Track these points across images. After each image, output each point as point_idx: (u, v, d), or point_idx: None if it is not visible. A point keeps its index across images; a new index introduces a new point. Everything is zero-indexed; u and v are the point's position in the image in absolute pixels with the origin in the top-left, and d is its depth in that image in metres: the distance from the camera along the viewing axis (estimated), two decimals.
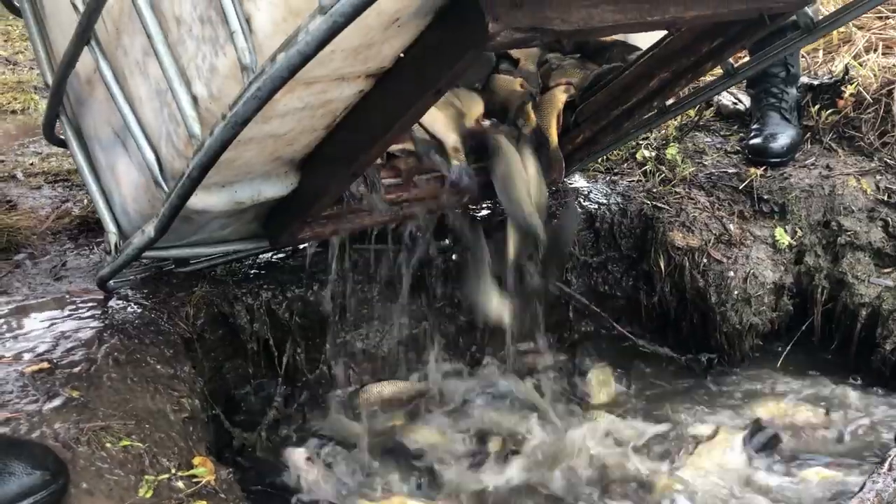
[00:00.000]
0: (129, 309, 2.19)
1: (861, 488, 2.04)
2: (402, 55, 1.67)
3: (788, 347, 2.82)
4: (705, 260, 2.79)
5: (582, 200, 3.00)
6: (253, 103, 1.42)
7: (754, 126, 3.09)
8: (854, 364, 2.75)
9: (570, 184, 3.06)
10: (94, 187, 2.13)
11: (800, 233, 2.83)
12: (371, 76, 1.72)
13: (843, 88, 3.11)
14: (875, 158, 2.96)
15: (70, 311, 2.13)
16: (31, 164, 3.10)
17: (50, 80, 2.08)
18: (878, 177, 2.88)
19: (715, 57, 2.24)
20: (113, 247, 2.13)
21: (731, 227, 2.84)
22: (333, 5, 1.24)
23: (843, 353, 2.79)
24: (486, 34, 1.46)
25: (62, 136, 2.19)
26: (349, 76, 1.69)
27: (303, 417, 2.47)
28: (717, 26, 2.16)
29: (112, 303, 2.19)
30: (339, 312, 2.59)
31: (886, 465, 2.10)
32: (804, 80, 3.20)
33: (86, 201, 2.69)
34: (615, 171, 3.16)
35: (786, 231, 2.83)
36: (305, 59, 1.32)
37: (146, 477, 1.67)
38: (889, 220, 2.78)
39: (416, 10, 1.52)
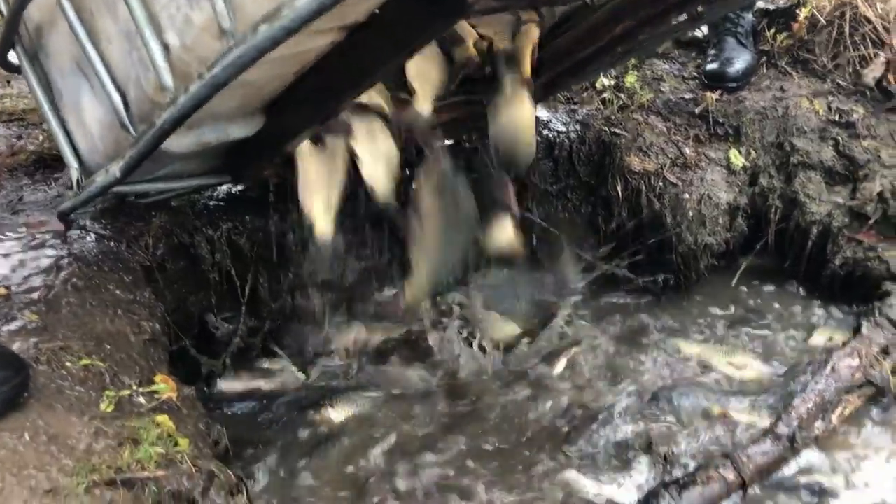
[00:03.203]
0: (87, 238, 2.20)
1: (803, 389, 2.14)
2: (377, 11, 1.66)
3: (743, 266, 2.90)
4: (661, 183, 2.84)
5: (542, 129, 3.02)
6: (232, 69, 1.42)
7: (711, 52, 3.12)
8: (806, 280, 2.84)
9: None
10: (53, 121, 2.10)
11: (754, 154, 2.89)
12: (344, 28, 1.71)
13: (797, 12, 3.14)
14: (828, 80, 3.01)
15: (27, 241, 2.14)
16: None
17: (5, 9, 2.04)
18: (830, 98, 2.93)
19: (683, 6, 2.25)
20: (75, 182, 2.12)
21: (687, 150, 2.89)
22: None
23: (796, 270, 2.87)
24: (465, 3, 1.47)
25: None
26: (324, 29, 1.68)
27: (266, 346, 2.51)
28: None
29: (70, 233, 2.19)
30: (301, 244, 2.62)
31: (829, 367, 2.19)
32: (760, 4, 3.23)
33: (41, 138, 2.67)
34: (574, 100, 3.17)
35: (740, 153, 2.88)
36: (289, 33, 1.32)
37: (107, 393, 1.70)
38: (840, 139, 2.84)
39: None
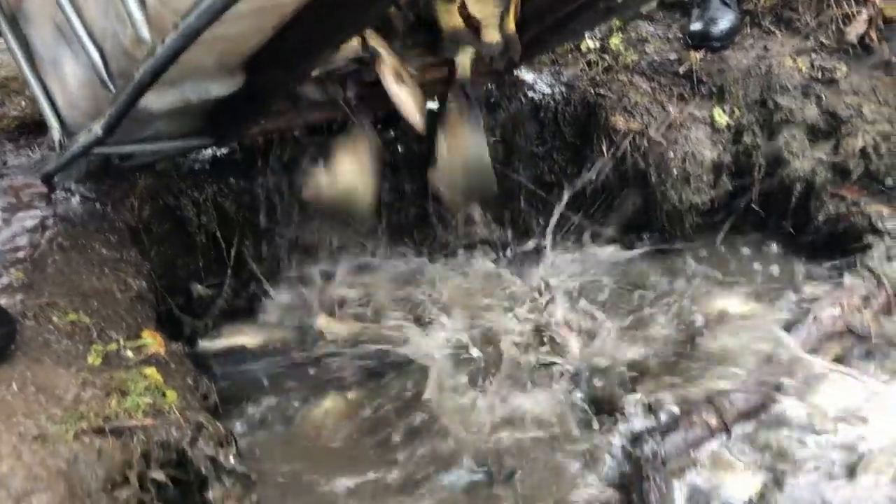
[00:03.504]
0: (72, 200, 2.20)
1: (787, 337, 2.17)
2: None
3: (728, 224, 2.92)
4: (646, 142, 2.85)
5: (527, 91, 3.03)
6: (206, 17, 1.41)
7: (695, 12, 3.12)
8: (790, 236, 2.87)
9: (517, 76, 3.09)
10: (34, 83, 2.10)
11: (737, 113, 2.89)
12: None
13: None
14: (811, 38, 3.01)
15: (12, 203, 2.14)
16: None
17: None
18: (813, 55, 2.94)
19: None
20: (57, 143, 2.12)
21: (671, 109, 2.89)
22: None
23: (780, 226, 2.90)
24: None
25: None
26: None
27: (251, 307, 2.52)
28: None
29: (55, 195, 2.20)
30: (284, 206, 2.62)
31: (811, 316, 2.22)
32: None
33: (24, 104, 2.66)
34: (559, 62, 3.17)
35: (724, 111, 2.89)
36: None
37: (94, 347, 1.72)
38: (822, 96, 2.85)
39: None
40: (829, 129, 2.84)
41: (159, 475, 1.58)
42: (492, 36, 2.39)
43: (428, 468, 1.92)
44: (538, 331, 2.43)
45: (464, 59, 2.49)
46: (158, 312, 2.10)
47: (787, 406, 2.05)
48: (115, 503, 1.47)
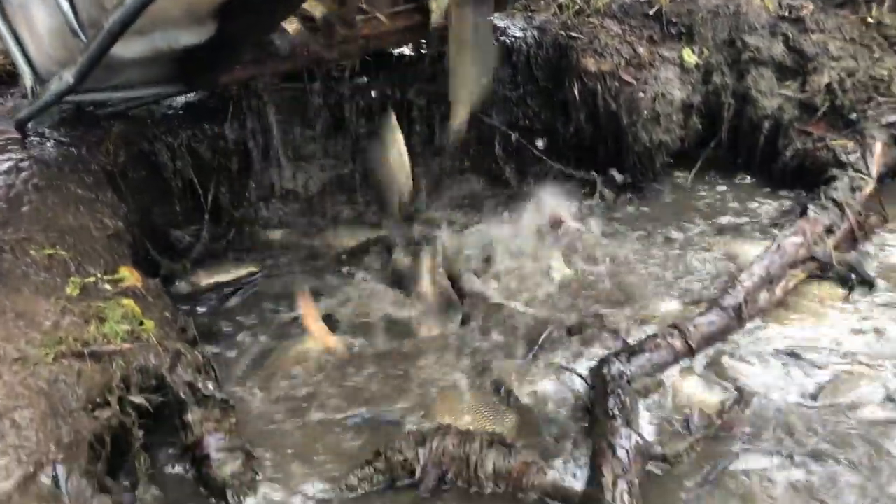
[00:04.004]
0: (47, 144, 2.22)
1: (751, 263, 2.23)
2: None
3: (699, 163, 2.97)
4: (617, 83, 2.88)
5: (500, 36, 3.05)
6: None
7: None
8: (759, 173, 2.92)
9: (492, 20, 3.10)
10: (5, 32, 2.11)
11: (706, 52, 2.93)
12: None
13: None
14: None
15: None
16: None
17: None
18: None
19: None
20: (29, 91, 2.13)
21: (641, 50, 2.93)
22: None
23: (749, 164, 2.95)
24: None
25: None
26: None
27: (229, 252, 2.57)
28: None
29: (30, 140, 2.22)
30: (261, 152, 2.65)
31: (775, 244, 2.28)
32: None
33: None
34: (531, 7, 3.20)
35: (693, 51, 2.93)
36: None
37: (72, 279, 1.75)
38: (789, 34, 2.89)
39: None
40: (797, 67, 2.89)
41: (139, 399, 1.63)
42: None
43: (402, 401, 1.97)
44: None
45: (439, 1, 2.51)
46: (137, 256, 2.13)
47: (752, 331, 2.12)
48: (96, 423, 1.52)
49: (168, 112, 2.55)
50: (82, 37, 1.79)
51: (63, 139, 2.26)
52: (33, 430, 1.39)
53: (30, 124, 2.28)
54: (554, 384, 1.98)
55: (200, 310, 2.29)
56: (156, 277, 2.19)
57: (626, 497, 1.53)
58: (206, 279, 2.36)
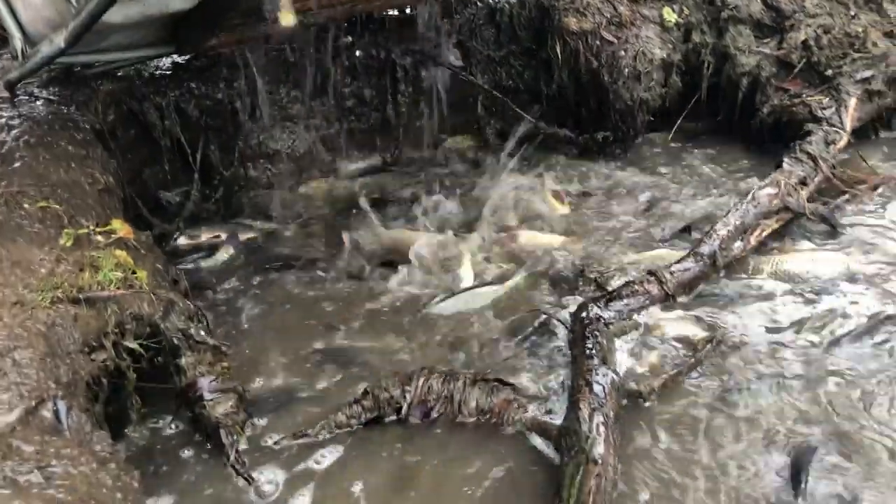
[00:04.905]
0: (37, 103, 2.26)
1: (727, 214, 2.30)
2: None
3: (679, 121, 3.03)
4: (598, 42, 2.92)
5: None
6: None
7: None
8: (737, 129, 2.98)
9: None
10: None
11: (686, 11, 2.98)
12: None
13: None
14: None
15: None
16: None
17: None
18: None
19: None
20: (19, 52, 2.16)
21: (622, 9, 2.96)
22: None
23: (728, 121, 3.01)
24: None
25: None
26: None
27: (219, 211, 2.62)
28: None
29: (19, 98, 2.25)
30: (248, 111, 2.69)
31: (750, 195, 2.35)
32: None
33: None
34: None
35: (673, 10, 2.97)
36: None
37: (66, 231, 1.80)
38: None
39: None
40: (774, 24, 2.94)
41: (133, 345, 1.69)
42: None
43: (382, 342, 2.04)
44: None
45: None
46: (128, 214, 2.18)
47: (728, 277, 2.19)
48: (92, 364, 1.58)
49: (156, 72, 2.58)
50: (73, 2, 1.83)
51: (52, 98, 2.30)
52: (34, 368, 1.45)
53: (18, 85, 2.32)
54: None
55: (192, 265, 2.34)
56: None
57: (601, 428, 1.61)
58: (198, 238, 2.41)
